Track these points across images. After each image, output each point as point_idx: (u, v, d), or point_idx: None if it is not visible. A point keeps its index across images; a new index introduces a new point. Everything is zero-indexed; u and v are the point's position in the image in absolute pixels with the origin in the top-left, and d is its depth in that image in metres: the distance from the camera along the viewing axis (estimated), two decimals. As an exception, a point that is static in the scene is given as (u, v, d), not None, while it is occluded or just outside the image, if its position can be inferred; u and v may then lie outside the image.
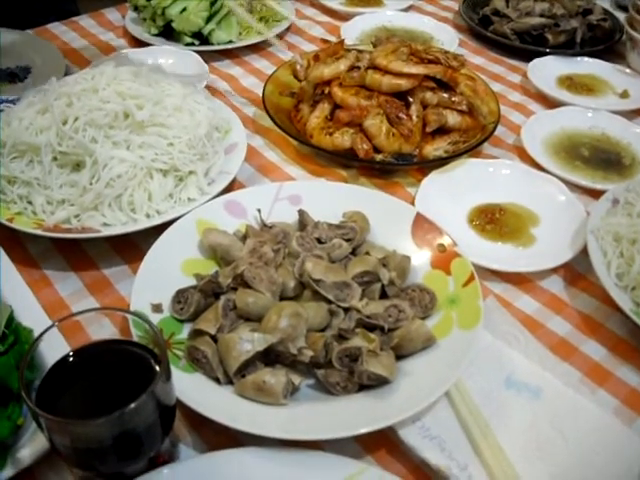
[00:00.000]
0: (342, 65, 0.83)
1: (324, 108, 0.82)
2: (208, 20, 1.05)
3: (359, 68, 0.84)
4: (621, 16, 1.19)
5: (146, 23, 1.10)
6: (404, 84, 0.81)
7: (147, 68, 0.79)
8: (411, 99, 0.82)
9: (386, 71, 0.82)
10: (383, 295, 0.62)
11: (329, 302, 0.59)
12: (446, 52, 0.89)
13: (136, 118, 0.70)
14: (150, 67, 0.82)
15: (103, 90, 0.73)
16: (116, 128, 0.71)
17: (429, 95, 0.83)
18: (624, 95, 1.03)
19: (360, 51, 0.90)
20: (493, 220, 0.76)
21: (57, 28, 1.17)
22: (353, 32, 1.11)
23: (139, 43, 1.09)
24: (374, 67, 0.84)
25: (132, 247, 0.70)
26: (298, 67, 0.91)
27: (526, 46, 1.12)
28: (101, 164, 0.69)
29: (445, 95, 0.84)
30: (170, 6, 1.06)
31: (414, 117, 0.80)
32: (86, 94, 0.72)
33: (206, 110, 0.78)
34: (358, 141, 0.78)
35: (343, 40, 0.95)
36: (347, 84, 0.82)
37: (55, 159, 0.71)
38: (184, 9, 1.05)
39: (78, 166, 0.71)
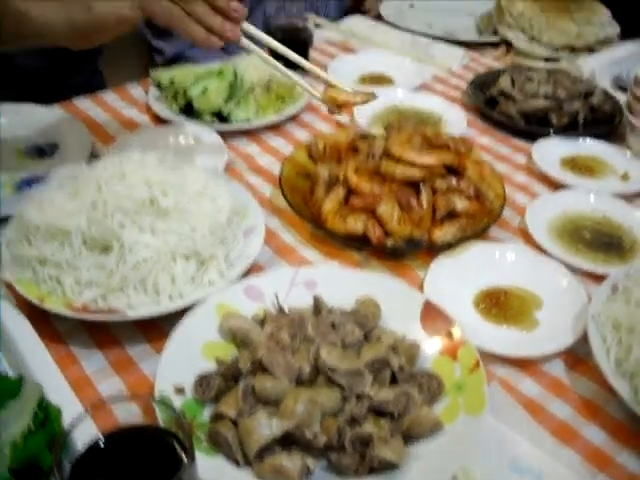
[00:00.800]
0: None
1: (339, 192, 0.87)
2: (227, 100, 1.11)
3: (374, 156, 0.89)
4: (621, 97, 1.24)
5: (168, 101, 1.15)
6: (417, 174, 0.86)
7: (170, 152, 0.85)
8: (422, 186, 0.86)
9: (399, 159, 0.87)
10: (393, 379, 0.65)
11: (342, 388, 0.62)
12: (454, 138, 0.95)
13: (161, 205, 0.75)
14: (173, 150, 0.87)
15: (130, 176, 0.77)
16: (142, 214, 0.75)
17: (439, 182, 0.87)
18: (625, 177, 1.07)
19: (373, 137, 0.95)
20: (498, 304, 0.80)
21: (83, 103, 1.23)
22: (366, 112, 1.16)
23: (161, 119, 1.15)
24: (388, 154, 0.88)
25: (155, 327, 0.74)
26: (313, 149, 0.96)
27: (531, 128, 1.17)
28: (127, 248, 0.73)
29: (454, 181, 0.89)
30: (191, 87, 1.12)
31: (424, 204, 0.85)
32: (114, 180, 0.77)
33: (226, 195, 0.83)
34: (370, 227, 0.82)
35: (357, 131, 1.00)
36: (362, 172, 0.87)
37: (84, 242, 0.75)
38: (205, 90, 1.11)
39: (106, 249, 0.75)
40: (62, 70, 1.42)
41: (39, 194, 0.81)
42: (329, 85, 0.93)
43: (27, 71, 1.36)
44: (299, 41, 1.31)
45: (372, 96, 0.91)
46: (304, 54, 1.32)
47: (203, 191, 0.80)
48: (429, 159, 0.87)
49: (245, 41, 0.88)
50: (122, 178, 0.77)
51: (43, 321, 0.74)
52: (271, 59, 0.93)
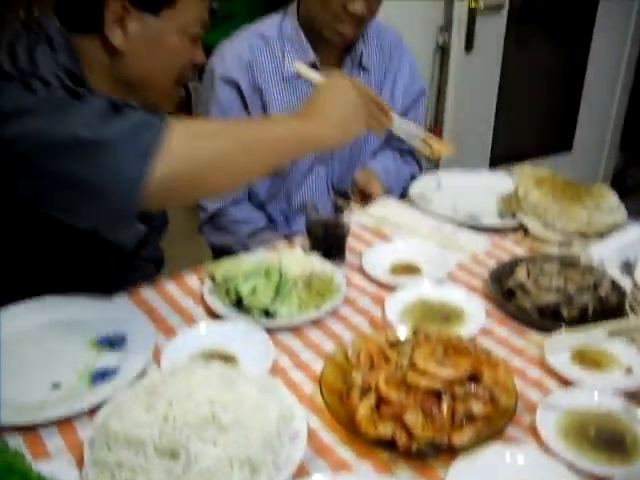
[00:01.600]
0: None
1: (371, 399, 1.01)
2: (274, 299, 1.27)
3: (402, 367, 1.03)
4: (629, 282, 1.37)
5: (221, 295, 1.32)
6: (439, 385, 1.00)
7: (229, 368, 1.00)
8: (443, 394, 1.00)
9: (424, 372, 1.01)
10: None
11: None
12: (475, 345, 1.09)
13: (222, 421, 0.90)
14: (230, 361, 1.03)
15: (196, 394, 0.92)
16: (206, 427, 0.90)
17: (458, 389, 1.01)
18: (629, 371, 1.19)
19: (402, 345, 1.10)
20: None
21: (146, 292, 1.40)
22: (395, 306, 1.32)
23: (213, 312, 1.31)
24: (414, 365, 1.03)
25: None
26: (349, 355, 1.11)
27: (544, 322, 1.30)
28: (193, 457, 0.87)
29: (471, 388, 1.02)
30: (242, 285, 1.29)
31: (445, 411, 0.98)
32: (183, 396, 0.92)
33: (275, 404, 0.97)
34: (398, 433, 0.96)
35: (388, 333, 1.15)
36: (391, 381, 1.01)
37: (155, 449, 0.89)
38: (254, 289, 1.28)
39: (174, 456, 0.89)
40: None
41: (120, 403, 0.97)
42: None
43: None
44: (337, 235, 1.48)
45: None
46: (342, 246, 1.49)
47: (256, 403, 0.95)
48: (449, 373, 1.01)
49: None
50: (189, 395, 0.92)
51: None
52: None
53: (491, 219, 1.72)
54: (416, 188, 1.83)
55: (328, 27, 1.81)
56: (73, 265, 1.39)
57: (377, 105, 1.40)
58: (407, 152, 2.14)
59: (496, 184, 1.85)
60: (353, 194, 1.89)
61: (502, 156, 3.63)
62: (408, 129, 1.58)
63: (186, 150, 1.07)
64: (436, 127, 3.44)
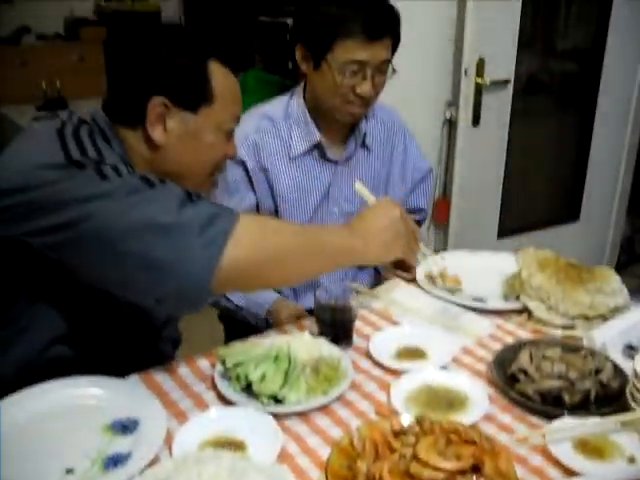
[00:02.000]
0: None
1: (375, 489, 1.04)
2: (282, 386, 1.30)
3: (405, 457, 1.06)
4: (630, 365, 1.39)
5: (232, 380, 1.36)
6: (441, 476, 1.03)
7: (238, 457, 1.04)
8: (445, 484, 1.03)
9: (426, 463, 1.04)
10: None
11: None
12: (480, 433, 1.12)
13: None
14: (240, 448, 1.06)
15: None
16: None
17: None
18: (631, 460, 1.21)
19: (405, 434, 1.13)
20: None
21: (158, 374, 1.44)
22: (400, 391, 1.35)
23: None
24: (417, 457, 1.06)
25: None
26: (354, 443, 1.14)
27: (545, 408, 1.33)
28: None
29: (473, 478, 1.05)
30: (252, 372, 1.32)
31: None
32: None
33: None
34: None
35: (392, 422, 1.18)
36: (395, 472, 1.04)
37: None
38: (263, 376, 1.31)
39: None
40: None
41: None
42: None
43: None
44: (344, 320, 1.52)
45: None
46: (349, 331, 1.54)
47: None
48: (451, 465, 1.04)
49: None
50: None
51: None
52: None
53: (496, 301, 1.76)
54: (423, 270, 1.88)
55: (338, 109, 1.90)
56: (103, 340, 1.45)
57: (413, 234, 1.51)
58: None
59: (501, 265, 1.89)
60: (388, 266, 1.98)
61: (510, 227, 3.68)
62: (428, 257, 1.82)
63: (253, 242, 1.20)
64: (444, 198, 3.51)
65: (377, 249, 1.40)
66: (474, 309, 1.71)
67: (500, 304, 1.74)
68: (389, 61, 1.89)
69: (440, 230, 3.53)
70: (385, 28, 1.84)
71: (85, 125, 1.35)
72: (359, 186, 1.66)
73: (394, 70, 1.92)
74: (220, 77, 1.37)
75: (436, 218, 3.51)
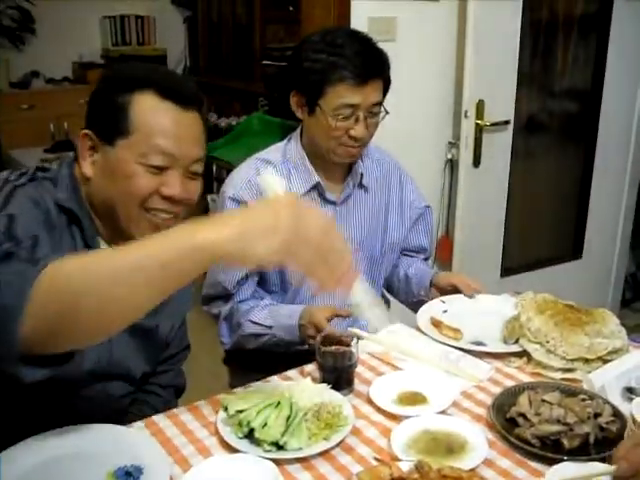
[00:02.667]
0: None
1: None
2: (284, 433, 1.32)
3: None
4: (629, 407, 1.40)
5: (233, 427, 1.37)
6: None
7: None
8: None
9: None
10: None
11: None
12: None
13: None
14: None
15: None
16: None
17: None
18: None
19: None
20: None
21: (161, 420, 1.46)
22: (401, 437, 1.36)
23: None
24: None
25: None
26: (355, 490, 1.16)
27: (545, 453, 1.34)
28: None
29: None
30: (254, 419, 1.34)
31: None
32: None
33: None
34: None
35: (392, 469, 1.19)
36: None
37: None
38: (265, 424, 1.33)
39: None
40: None
41: None
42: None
43: None
44: (345, 366, 1.55)
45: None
46: (350, 377, 1.56)
47: None
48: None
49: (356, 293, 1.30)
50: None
51: None
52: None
53: (496, 345, 1.77)
54: (423, 314, 1.90)
55: (334, 151, 1.97)
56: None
57: (340, 254, 1.18)
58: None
59: (500, 308, 1.91)
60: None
61: (513, 265, 3.70)
62: (369, 299, 1.37)
63: (53, 293, 1.05)
64: (447, 237, 3.54)
65: (229, 233, 1.07)
66: (474, 352, 1.73)
67: (500, 347, 1.76)
68: (380, 103, 1.96)
69: (443, 268, 3.55)
70: (375, 71, 1.89)
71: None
72: (267, 177, 1.29)
73: (386, 112, 1.98)
74: (144, 109, 1.36)
75: (439, 256, 3.54)
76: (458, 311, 1.91)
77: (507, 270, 3.67)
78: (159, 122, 1.36)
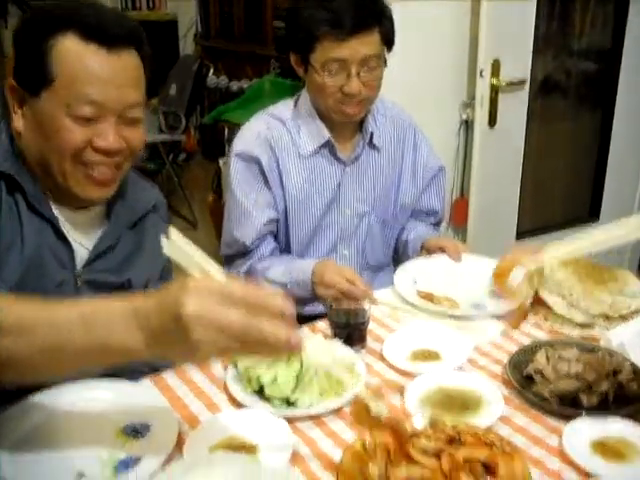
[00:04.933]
0: None
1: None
2: (294, 389, 1.29)
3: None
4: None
5: (243, 383, 1.35)
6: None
7: (249, 461, 1.03)
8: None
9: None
10: None
11: None
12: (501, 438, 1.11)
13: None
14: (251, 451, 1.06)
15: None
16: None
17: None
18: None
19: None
20: None
21: (171, 378, 1.43)
22: (415, 393, 1.33)
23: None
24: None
25: None
26: (367, 448, 1.12)
27: (563, 409, 1.30)
28: None
29: (487, 480, 1.04)
30: (263, 375, 1.31)
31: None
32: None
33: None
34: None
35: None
36: None
37: None
38: (275, 379, 1.30)
39: None
40: None
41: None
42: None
43: None
44: (357, 323, 1.51)
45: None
46: (363, 333, 1.52)
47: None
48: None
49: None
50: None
51: None
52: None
53: (496, 306, 1.74)
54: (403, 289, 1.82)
55: (333, 109, 1.92)
56: None
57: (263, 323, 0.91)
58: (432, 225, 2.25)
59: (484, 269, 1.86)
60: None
61: (529, 227, 3.65)
62: None
63: None
64: (462, 199, 3.48)
65: (157, 346, 0.95)
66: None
67: (501, 308, 1.71)
68: (377, 56, 1.84)
69: (458, 232, 3.50)
70: (364, 23, 1.79)
71: None
72: None
73: (385, 64, 1.90)
74: (65, 54, 1.23)
75: (454, 219, 3.48)
76: (427, 278, 1.87)
77: (523, 232, 3.61)
78: (83, 67, 1.23)
